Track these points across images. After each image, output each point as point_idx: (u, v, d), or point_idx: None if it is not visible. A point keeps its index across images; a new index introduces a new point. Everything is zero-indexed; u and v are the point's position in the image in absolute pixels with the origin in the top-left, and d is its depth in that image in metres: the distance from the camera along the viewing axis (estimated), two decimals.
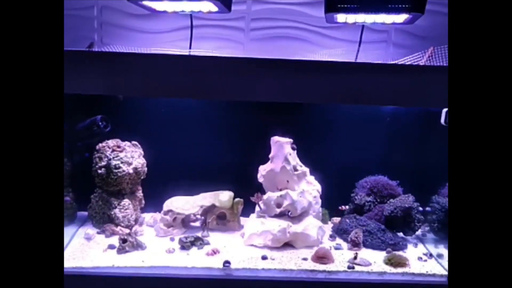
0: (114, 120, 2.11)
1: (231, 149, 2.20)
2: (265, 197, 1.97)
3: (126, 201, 2.02)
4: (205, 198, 2.08)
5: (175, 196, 2.07)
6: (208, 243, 1.89)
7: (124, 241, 1.79)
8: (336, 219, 2.19)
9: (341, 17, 1.73)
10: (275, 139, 2.00)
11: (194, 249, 1.84)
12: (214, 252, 1.79)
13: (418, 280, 1.67)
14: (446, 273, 1.70)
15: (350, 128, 2.19)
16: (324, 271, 1.70)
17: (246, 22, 2.07)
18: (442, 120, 2.01)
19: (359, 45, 2.00)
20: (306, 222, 1.94)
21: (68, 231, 1.96)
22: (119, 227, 1.95)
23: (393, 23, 1.77)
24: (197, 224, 2.12)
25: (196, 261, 1.72)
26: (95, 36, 2.08)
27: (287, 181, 2.00)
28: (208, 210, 2.06)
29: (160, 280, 1.60)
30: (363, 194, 2.12)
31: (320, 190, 2.07)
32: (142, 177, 2.10)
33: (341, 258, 1.80)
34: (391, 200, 2.06)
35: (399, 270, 1.72)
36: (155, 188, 2.13)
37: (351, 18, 1.74)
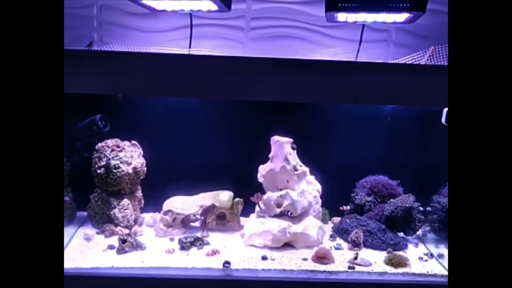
0: (114, 120, 2.10)
1: (231, 149, 2.19)
2: (265, 197, 1.96)
3: (125, 201, 2.01)
4: (205, 198, 2.07)
5: (174, 196, 2.07)
6: (208, 244, 1.88)
7: (123, 241, 1.78)
8: (336, 219, 2.18)
9: (341, 16, 1.72)
10: (275, 138, 2.00)
11: (194, 249, 1.83)
12: (214, 252, 1.79)
13: (419, 280, 1.67)
14: (447, 273, 1.70)
15: (350, 127, 2.18)
16: (324, 271, 1.69)
17: (246, 21, 2.07)
18: (443, 120, 2.00)
19: (360, 44, 1.99)
20: (306, 222, 1.93)
21: (67, 231, 1.96)
22: (118, 227, 1.95)
23: (394, 22, 1.76)
24: (197, 224, 2.12)
25: (196, 261, 1.72)
26: (94, 35, 2.07)
27: (287, 181, 2.00)
28: (208, 210, 2.06)
29: (160, 280, 1.60)
30: (364, 194, 2.12)
31: (320, 190, 2.07)
32: (141, 177, 2.09)
33: (341, 258, 1.79)
34: (392, 200, 2.05)
35: (400, 270, 1.72)
36: (154, 188, 2.12)
37: (351, 17, 1.73)
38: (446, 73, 1.12)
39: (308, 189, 2.02)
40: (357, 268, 1.71)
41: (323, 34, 2.07)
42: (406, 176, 2.13)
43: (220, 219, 2.08)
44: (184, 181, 2.10)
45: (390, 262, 1.76)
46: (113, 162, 1.95)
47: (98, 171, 1.98)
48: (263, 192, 2.01)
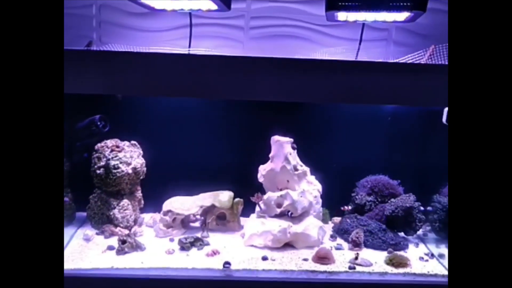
0: (113, 120, 2.10)
1: (231, 149, 2.19)
2: (265, 197, 1.95)
3: (125, 202, 2.00)
4: (205, 198, 2.07)
5: (174, 196, 2.06)
6: (208, 244, 1.88)
7: (123, 242, 1.77)
8: (337, 219, 2.18)
9: (341, 15, 1.71)
10: (275, 138, 1.99)
11: (194, 250, 1.83)
12: (214, 252, 1.78)
13: (420, 280, 1.67)
14: (447, 273, 1.70)
15: (350, 127, 2.18)
16: (325, 271, 1.69)
17: (245, 20, 2.06)
18: (444, 119, 2.00)
19: (360, 44, 1.99)
20: (306, 222, 1.93)
21: (67, 232, 1.95)
22: (118, 228, 1.94)
23: (394, 21, 1.76)
24: (197, 224, 2.11)
25: (196, 262, 1.71)
26: (93, 35, 2.06)
27: (288, 181, 1.99)
28: (208, 211, 2.05)
29: (160, 281, 1.59)
30: (364, 194, 2.11)
31: (320, 190, 2.06)
32: (141, 177, 2.09)
33: (342, 259, 1.79)
34: (392, 199, 2.05)
35: (401, 270, 1.71)
36: (154, 188, 2.12)
37: (352, 16, 1.73)
38: (447, 72, 1.12)
39: (309, 189, 2.01)
40: (358, 268, 1.71)
41: (323, 33, 2.06)
42: (406, 176, 2.13)
43: (220, 220, 2.08)
44: (184, 181, 2.10)
45: (390, 262, 1.76)
46: (112, 162, 1.95)
47: (98, 171, 1.97)
48: (263, 192, 2.00)
